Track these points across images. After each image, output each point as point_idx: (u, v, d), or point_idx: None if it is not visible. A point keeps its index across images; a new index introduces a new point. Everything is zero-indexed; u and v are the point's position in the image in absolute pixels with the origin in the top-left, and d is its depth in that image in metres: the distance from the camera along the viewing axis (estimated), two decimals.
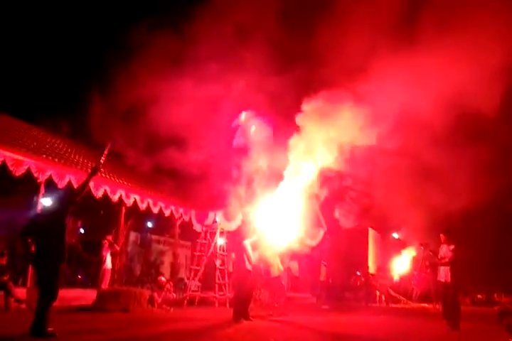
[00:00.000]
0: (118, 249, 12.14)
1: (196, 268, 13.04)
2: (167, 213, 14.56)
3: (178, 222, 15.38)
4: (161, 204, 14.21)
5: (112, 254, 11.72)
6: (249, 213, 10.21)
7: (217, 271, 12.81)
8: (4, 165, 9.91)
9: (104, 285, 11.32)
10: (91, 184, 7.26)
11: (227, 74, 10.17)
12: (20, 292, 9.67)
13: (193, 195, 16.17)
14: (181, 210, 15.10)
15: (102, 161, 6.64)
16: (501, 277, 20.26)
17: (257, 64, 9.97)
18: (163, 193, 14.73)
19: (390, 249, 21.56)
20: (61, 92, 25.31)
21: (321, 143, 9.04)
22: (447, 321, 8.25)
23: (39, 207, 10.35)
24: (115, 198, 12.53)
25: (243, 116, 10.24)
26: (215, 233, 13.38)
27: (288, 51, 11.03)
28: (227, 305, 12.34)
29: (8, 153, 10.00)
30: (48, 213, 6.27)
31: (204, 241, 13.35)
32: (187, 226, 15.65)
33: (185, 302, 12.33)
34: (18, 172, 10.05)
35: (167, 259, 16.67)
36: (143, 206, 13.54)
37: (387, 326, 9.22)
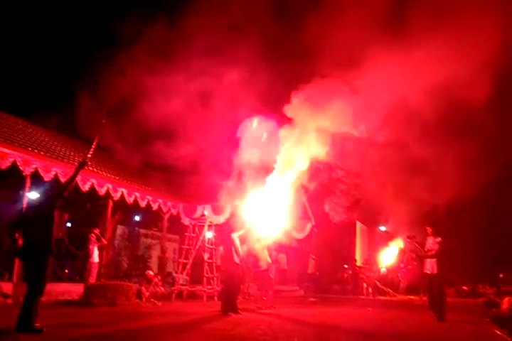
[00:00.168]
0: (105, 242, 12.06)
1: (184, 261, 13.01)
2: (155, 207, 14.51)
3: (166, 216, 15.33)
4: (148, 197, 14.16)
5: (99, 248, 11.65)
6: (238, 206, 10.18)
7: (206, 264, 12.79)
8: None
9: (92, 279, 11.26)
10: (78, 177, 7.15)
11: (217, 67, 10.10)
12: (7, 286, 9.59)
13: (181, 188, 16.14)
14: (169, 204, 15.06)
15: (89, 155, 6.56)
16: (486, 269, 20.59)
17: (248, 56, 9.91)
18: (151, 187, 14.65)
19: (377, 241, 21.76)
20: (48, 85, 24.94)
21: (311, 135, 9.02)
22: (433, 312, 8.38)
23: (25, 201, 10.22)
24: (102, 191, 12.44)
25: (254, 123, 10.00)
26: (203, 226, 13.35)
27: (279, 44, 10.99)
28: (216, 298, 12.34)
29: None
30: (35, 207, 6.19)
31: (192, 234, 13.31)
32: (175, 219, 15.61)
33: (174, 296, 12.32)
34: (4, 165, 9.89)
35: (155, 253, 16.60)
36: (130, 200, 13.48)
37: (373, 317, 9.32)
